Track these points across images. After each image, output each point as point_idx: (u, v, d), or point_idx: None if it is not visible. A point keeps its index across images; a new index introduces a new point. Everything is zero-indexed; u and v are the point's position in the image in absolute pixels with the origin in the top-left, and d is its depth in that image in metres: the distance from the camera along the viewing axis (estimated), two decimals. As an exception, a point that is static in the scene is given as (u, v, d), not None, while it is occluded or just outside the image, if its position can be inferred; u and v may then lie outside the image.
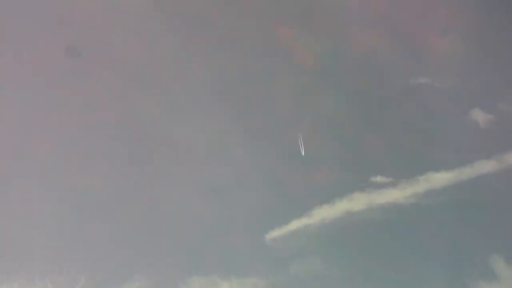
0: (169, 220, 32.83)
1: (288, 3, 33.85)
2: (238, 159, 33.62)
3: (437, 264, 32.33)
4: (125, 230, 32.62)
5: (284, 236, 32.72)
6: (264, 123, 33.97)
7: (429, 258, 32.49)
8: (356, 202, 32.91)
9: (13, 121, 33.28)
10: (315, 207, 32.97)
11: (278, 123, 33.96)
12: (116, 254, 32.13)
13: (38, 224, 32.12)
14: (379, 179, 33.06)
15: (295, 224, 32.86)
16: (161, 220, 32.85)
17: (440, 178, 32.78)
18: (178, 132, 33.89)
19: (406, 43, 34.15)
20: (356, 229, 32.96)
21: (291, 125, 33.88)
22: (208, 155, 33.93)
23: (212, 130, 34.13)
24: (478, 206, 32.82)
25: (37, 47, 33.51)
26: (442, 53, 33.55)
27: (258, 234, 32.78)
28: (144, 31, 34.05)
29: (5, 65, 33.14)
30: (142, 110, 34.02)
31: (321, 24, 33.55)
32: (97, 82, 33.85)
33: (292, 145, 33.51)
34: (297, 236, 32.78)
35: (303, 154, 33.02)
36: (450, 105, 33.50)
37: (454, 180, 32.70)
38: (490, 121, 32.88)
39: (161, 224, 32.81)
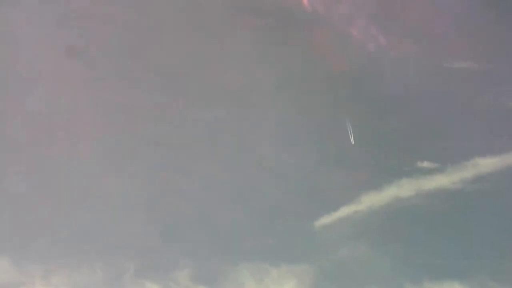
0: (217, 207, 32.68)
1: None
2: (287, 148, 33.53)
3: (485, 251, 32.46)
4: (171, 220, 32.49)
5: (333, 223, 32.74)
6: (311, 115, 33.85)
7: (477, 246, 32.68)
8: (404, 188, 32.96)
9: (13, 122, 32.81)
10: (363, 194, 33.03)
11: (326, 114, 33.81)
12: (164, 243, 32.03)
13: (85, 213, 31.84)
14: (426, 164, 33.13)
15: (343, 211, 32.87)
16: (208, 208, 32.69)
17: (487, 164, 32.88)
18: (204, 130, 33.69)
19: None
20: (404, 215, 33.11)
21: (338, 114, 33.75)
22: (255, 144, 33.68)
23: (255, 123, 33.93)
24: (527, 191, 32.93)
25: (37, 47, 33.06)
26: (482, 35, 33.64)
27: (307, 221, 32.82)
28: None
29: (5, 65, 32.75)
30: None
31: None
32: (99, 82, 33.55)
33: (340, 133, 33.47)
34: (345, 223, 32.84)
35: (350, 141, 32.95)
36: (494, 90, 33.61)
37: (501, 165, 32.78)
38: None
39: (209, 212, 32.66)
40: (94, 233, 31.37)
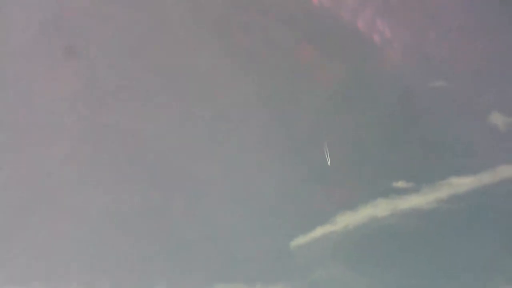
0: (191, 228, 32.57)
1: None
2: (263, 168, 33.45)
3: (461, 270, 32.35)
4: (146, 239, 32.30)
5: (309, 243, 32.62)
6: (286, 132, 33.82)
7: (453, 265, 32.54)
8: (380, 208, 32.92)
9: (13, 123, 32.76)
10: (339, 214, 32.95)
11: (301, 131, 33.81)
12: (139, 262, 31.81)
13: (62, 235, 31.66)
14: (401, 184, 33.11)
15: (319, 231, 32.79)
16: (182, 228, 32.58)
17: (462, 183, 32.89)
18: (190, 140, 33.64)
19: (418, 48, 34.38)
20: (380, 235, 33.04)
21: (314, 133, 33.77)
22: (229, 162, 33.65)
23: (234, 139, 33.91)
24: (501, 211, 32.90)
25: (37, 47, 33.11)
26: (458, 55, 33.84)
27: (283, 241, 32.67)
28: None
29: (4, 65, 32.78)
30: (148, 114, 33.65)
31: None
32: (99, 83, 33.53)
33: (316, 153, 33.45)
34: (321, 243, 32.73)
35: (326, 161, 32.96)
36: (469, 109, 33.68)
37: (476, 185, 32.82)
38: (509, 124, 33.13)
39: (183, 232, 32.54)
40: (68, 252, 31.20)
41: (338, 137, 33.40)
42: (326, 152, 32.90)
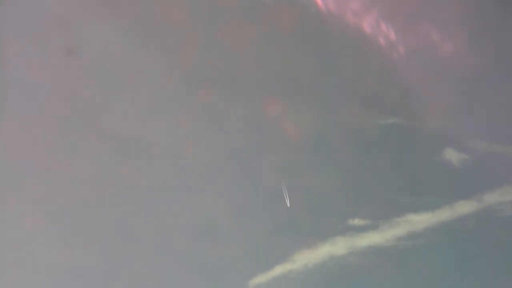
0: (145, 272, 32.03)
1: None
2: (218, 207, 33.22)
3: (420, 308, 32.22)
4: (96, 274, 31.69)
5: (268, 283, 32.33)
6: (245, 174, 33.72)
7: (412, 302, 32.35)
8: (338, 246, 32.79)
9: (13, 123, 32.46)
10: (298, 253, 32.73)
11: (258, 172, 33.71)
12: None
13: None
14: (359, 222, 33.06)
15: (278, 270, 32.49)
16: (131, 265, 32.04)
17: (421, 220, 32.90)
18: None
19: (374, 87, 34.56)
20: (339, 273, 32.78)
21: (270, 174, 33.69)
22: (186, 199, 33.40)
23: (190, 172, 33.72)
24: (460, 247, 32.98)
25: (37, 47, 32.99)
26: (409, 92, 34.12)
27: (241, 281, 32.28)
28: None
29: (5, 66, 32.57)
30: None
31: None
32: (100, 83, 33.37)
33: (272, 192, 33.34)
34: (280, 282, 32.41)
35: (283, 199, 32.83)
36: (423, 146, 33.85)
37: (434, 222, 32.85)
38: (464, 161, 33.34)
39: (132, 270, 31.99)
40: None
41: (294, 176, 33.33)
42: (284, 192, 32.84)
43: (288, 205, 32.62)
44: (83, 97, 33.34)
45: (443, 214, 32.86)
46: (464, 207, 32.87)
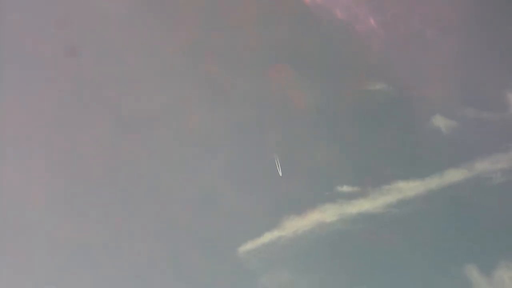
0: (140, 235, 32.23)
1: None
2: (210, 174, 33.29)
3: (410, 275, 32.30)
4: (87, 257, 31.90)
5: (257, 249, 32.42)
6: (233, 138, 33.71)
7: (402, 270, 32.43)
8: (328, 213, 32.80)
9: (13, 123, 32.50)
10: (287, 219, 32.74)
11: (248, 138, 33.70)
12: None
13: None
14: (349, 189, 33.01)
15: (267, 237, 32.56)
16: (132, 234, 32.21)
17: (410, 188, 32.87)
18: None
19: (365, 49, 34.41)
20: (328, 241, 32.84)
21: (261, 140, 33.68)
22: (178, 170, 33.49)
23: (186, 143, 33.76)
24: (450, 215, 33.00)
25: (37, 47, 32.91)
26: (401, 59, 33.96)
27: (231, 247, 32.41)
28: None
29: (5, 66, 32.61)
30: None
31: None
32: (99, 82, 33.37)
33: (262, 159, 33.38)
34: (269, 248, 32.51)
35: (273, 166, 32.87)
36: (411, 113, 33.70)
37: (424, 189, 32.81)
38: (453, 128, 33.22)
39: (129, 240, 32.17)
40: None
41: (285, 143, 33.36)
42: (276, 161, 32.86)
43: (280, 173, 32.73)
44: (88, 69, 33.50)
45: (433, 182, 32.83)
46: (454, 175, 32.83)
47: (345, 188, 32.93)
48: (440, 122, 32.90)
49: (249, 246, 32.41)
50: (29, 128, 32.75)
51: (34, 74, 33.19)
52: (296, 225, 32.68)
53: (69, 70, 33.46)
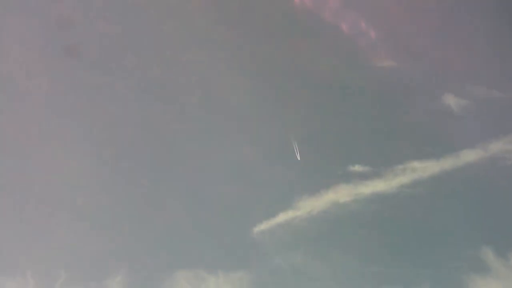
0: (154, 214, 32.28)
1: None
2: (224, 155, 33.28)
3: (425, 257, 32.12)
4: (107, 224, 31.96)
5: (272, 229, 32.39)
6: (247, 119, 33.66)
7: (417, 251, 32.33)
8: (342, 194, 32.71)
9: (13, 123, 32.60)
10: (301, 200, 32.70)
11: (262, 119, 33.64)
12: (98, 248, 31.43)
13: (18, 219, 31.31)
14: (364, 169, 32.95)
15: (282, 217, 32.52)
16: (144, 213, 32.27)
17: (425, 168, 32.76)
18: (177, 134, 33.48)
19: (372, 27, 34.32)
20: (343, 221, 32.76)
21: (274, 120, 33.65)
22: (193, 150, 33.47)
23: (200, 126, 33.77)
24: (465, 196, 32.85)
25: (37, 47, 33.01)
26: (412, 39, 33.86)
27: (245, 227, 32.39)
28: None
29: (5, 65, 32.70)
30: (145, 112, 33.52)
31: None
32: (100, 82, 33.43)
33: (276, 139, 33.33)
34: (284, 229, 32.48)
35: (287, 147, 32.82)
36: (424, 91, 33.55)
37: (438, 170, 32.70)
38: (465, 107, 33.11)
39: (145, 218, 32.21)
40: (24, 241, 30.82)
41: (299, 123, 33.31)
42: (293, 143, 32.83)
43: (296, 153, 32.67)
44: (113, 40, 33.53)
45: (448, 162, 32.72)
46: (469, 156, 32.72)
47: (359, 168, 32.88)
48: (451, 101, 32.79)
49: (263, 226, 32.36)
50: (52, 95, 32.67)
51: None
52: (311, 205, 32.61)
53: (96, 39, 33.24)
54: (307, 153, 32.98)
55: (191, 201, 32.55)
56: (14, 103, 32.78)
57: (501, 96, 32.74)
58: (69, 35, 33.20)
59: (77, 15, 33.66)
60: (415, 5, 33.51)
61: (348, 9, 33.65)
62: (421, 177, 32.64)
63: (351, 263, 32.08)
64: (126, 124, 32.94)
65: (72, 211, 31.47)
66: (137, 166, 32.99)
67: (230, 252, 32.09)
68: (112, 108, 33.28)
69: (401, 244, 32.43)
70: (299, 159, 32.44)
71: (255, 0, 33.79)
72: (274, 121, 33.47)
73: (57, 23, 33.34)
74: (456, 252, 31.91)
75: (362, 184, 32.74)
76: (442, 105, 32.96)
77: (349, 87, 33.19)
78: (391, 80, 33.26)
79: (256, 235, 32.27)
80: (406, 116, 33.40)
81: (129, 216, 31.89)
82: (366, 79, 33.11)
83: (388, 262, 32.05)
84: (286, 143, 33.00)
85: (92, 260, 31.12)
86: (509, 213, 32.52)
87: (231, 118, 33.60)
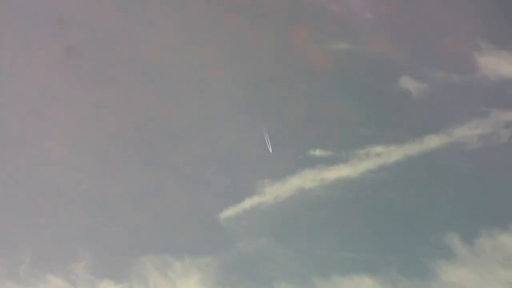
0: (121, 198, 32.52)
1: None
2: (190, 140, 33.54)
3: (391, 242, 32.35)
4: (71, 207, 32.15)
5: (238, 215, 32.63)
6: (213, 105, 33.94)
7: (383, 236, 32.51)
8: (307, 179, 32.89)
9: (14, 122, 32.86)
10: (268, 185, 32.89)
11: (228, 105, 33.90)
12: (62, 232, 31.58)
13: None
14: (328, 154, 33.15)
15: (248, 203, 32.70)
16: (111, 197, 32.49)
17: (390, 153, 33.00)
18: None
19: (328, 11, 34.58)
20: (308, 206, 32.94)
21: (240, 106, 33.88)
22: (160, 135, 33.72)
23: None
24: (430, 181, 33.07)
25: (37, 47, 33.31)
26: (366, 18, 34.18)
27: (212, 213, 32.57)
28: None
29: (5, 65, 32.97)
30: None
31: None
32: (100, 82, 33.77)
33: (242, 124, 33.61)
34: (250, 214, 32.69)
35: (253, 132, 33.09)
36: (386, 75, 33.72)
37: (403, 155, 32.95)
38: (425, 91, 33.37)
39: (112, 202, 32.49)
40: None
41: (264, 109, 33.60)
42: (257, 124, 33.07)
43: (257, 135, 32.90)
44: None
45: (413, 148, 32.97)
46: (433, 141, 32.99)
47: (323, 153, 33.08)
48: (414, 85, 33.06)
49: (229, 211, 32.58)
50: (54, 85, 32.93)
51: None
52: (277, 190, 32.81)
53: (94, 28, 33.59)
54: (271, 138, 33.26)
55: (157, 186, 32.74)
56: (16, 99, 32.95)
57: (465, 81, 33.11)
58: (69, 35, 33.33)
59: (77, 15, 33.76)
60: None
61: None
62: (386, 162, 32.88)
63: (317, 249, 32.35)
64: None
65: (36, 194, 31.61)
66: (105, 150, 33.09)
67: (197, 237, 32.31)
68: (104, 96, 33.41)
69: (367, 230, 32.64)
70: (270, 146, 32.64)
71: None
72: (239, 106, 33.70)
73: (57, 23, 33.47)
74: (422, 238, 32.14)
75: (327, 169, 32.97)
76: (405, 89, 33.23)
77: (311, 70, 33.42)
78: (356, 63, 33.55)
79: (223, 220, 32.52)
80: (370, 100, 33.64)
81: (95, 200, 32.08)
82: (330, 62, 33.34)
83: (354, 247, 32.31)
84: (252, 129, 33.29)
85: (56, 244, 31.33)
86: (474, 199, 32.76)
87: (198, 105, 33.87)
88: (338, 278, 31.56)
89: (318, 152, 33.04)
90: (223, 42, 34.07)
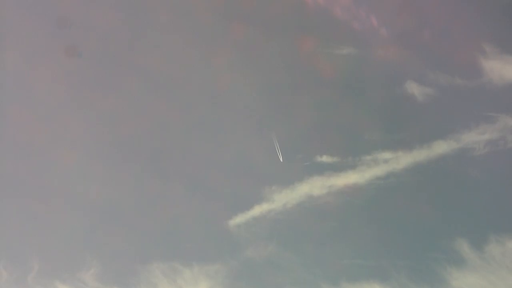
0: (129, 205, 32.54)
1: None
2: (199, 149, 33.56)
3: (400, 249, 32.25)
4: (79, 215, 32.13)
5: (247, 222, 32.56)
6: (223, 114, 34.01)
7: (392, 243, 32.44)
8: (316, 186, 32.85)
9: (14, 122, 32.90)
10: (276, 192, 32.86)
11: (238, 114, 33.96)
12: (70, 240, 31.52)
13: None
14: (337, 161, 33.13)
15: (257, 210, 32.63)
16: (120, 205, 32.46)
17: (398, 159, 32.97)
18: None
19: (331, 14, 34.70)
20: (317, 213, 32.93)
21: (249, 114, 33.96)
22: (169, 145, 33.77)
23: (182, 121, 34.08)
24: (438, 188, 33.01)
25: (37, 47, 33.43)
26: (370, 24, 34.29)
27: (221, 220, 32.52)
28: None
29: (5, 65, 33.07)
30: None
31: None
32: (101, 83, 33.88)
33: (250, 133, 33.66)
34: (259, 221, 32.63)
35: (263, 140, 33.11)
36: (395, 81, 33.76)
37: (412, 161, 32.91)
38: (439, 99, 33.41)
39: (120, 209, 32.46)
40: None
41: (273, 116, 33.67)
42: (266, 132, 33.13)
43: (267, 143, 32.92)
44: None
45: (421, 154, 32.91)
46: (441, 147, 32.96)
47: (332, 160, 33.06)
48: (422, 91, 33.09)
49: (239, 219, 32.53)
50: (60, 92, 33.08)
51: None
52: (286, 197, 32.77)
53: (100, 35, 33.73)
54: (280, 146, 33.29)
55: (166, 193, 32.75)
56: (20, 102, 33.03)
57: (472, 86, 33.13)
58: (69, 34, 33.41)
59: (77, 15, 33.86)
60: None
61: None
62: (394, 168, 32.83)
63: (326, 255, 32.25)
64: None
65: (45, 202, 31.59)
66: (113, 158, 33.09)
67: (205, 244, 32.31)
68: (114, 104, 33.50)
69: (376, 236, 32.56)
70: (279, 153, 32.68)
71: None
72: (248, 114, 33.79)
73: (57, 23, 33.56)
74: (431, 244, 32.06)
75: (335, 176, 32.94)
76: (413, 95, 33.27)
77: (318, 77, 33.52)
78: (363, 70, 33.63)
79: (232, 228, 32.46)
80: (378, 106, 33.67)
81: (103, 208, 32.05)
82: (337, 69, 33.44)
83: (363, 254, 32.22)
84: (261, 137, 33.33)
85: (65, 252, 31.25)
86: (483, 205, 32.65)
87: (207, 112, 33.94)
88: (348, 285, 31.47)
89: (326, 159, 33.04)
90: (232, 50, 34.14)
